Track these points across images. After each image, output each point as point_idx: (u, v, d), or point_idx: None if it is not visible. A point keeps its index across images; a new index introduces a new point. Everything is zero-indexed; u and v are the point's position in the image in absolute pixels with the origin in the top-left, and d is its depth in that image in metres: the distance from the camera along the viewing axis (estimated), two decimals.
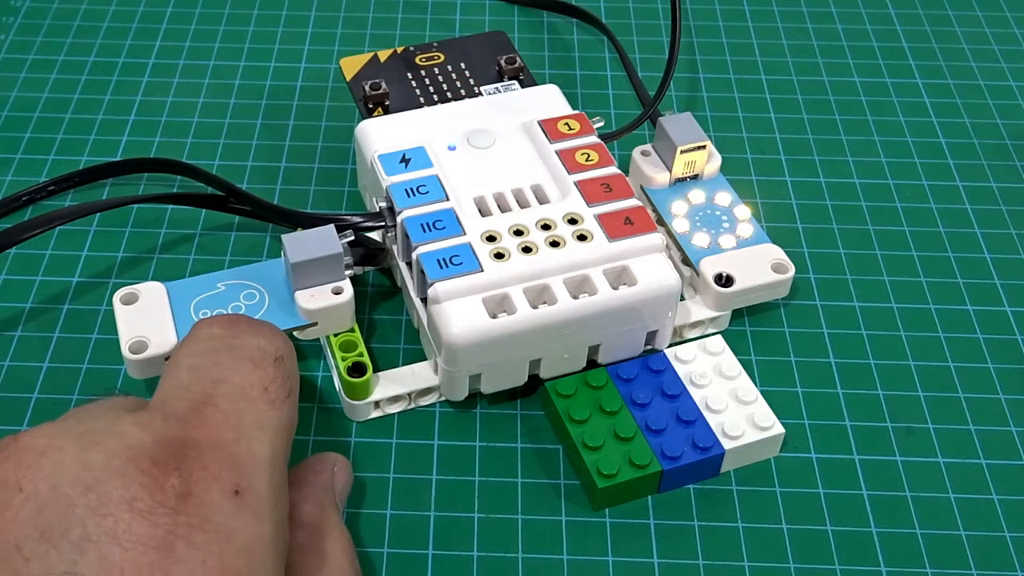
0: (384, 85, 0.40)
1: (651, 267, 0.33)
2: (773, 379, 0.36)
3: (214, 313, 0.34)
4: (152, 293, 0.34)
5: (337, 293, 0.34)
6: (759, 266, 0.36)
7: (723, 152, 0.41)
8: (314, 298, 0.33)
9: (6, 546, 0.21)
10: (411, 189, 0.35)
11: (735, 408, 0.33)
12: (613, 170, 0.36)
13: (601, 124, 0.38)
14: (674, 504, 0.33)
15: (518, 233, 0.34)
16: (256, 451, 0.24)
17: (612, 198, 0.35)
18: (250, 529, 0.23)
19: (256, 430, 0.25)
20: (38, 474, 0.22)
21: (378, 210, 0.35)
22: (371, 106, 0.40)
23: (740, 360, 0.35)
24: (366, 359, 0.34)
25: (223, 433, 0.24)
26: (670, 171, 0.39)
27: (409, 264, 0.34)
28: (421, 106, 0.40)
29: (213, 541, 0.22)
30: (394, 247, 0.36)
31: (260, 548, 0.23)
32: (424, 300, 0.33)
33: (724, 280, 0.36)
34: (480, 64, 0.42)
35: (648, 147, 0.40)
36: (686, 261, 0.37)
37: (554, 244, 0.33)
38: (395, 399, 0.34)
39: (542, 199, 0.35)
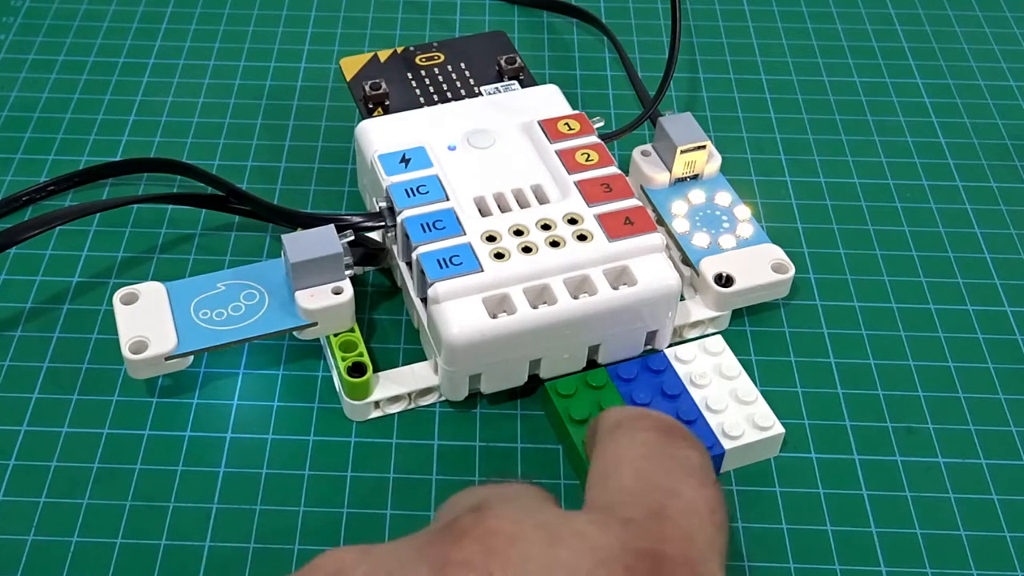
0: (384, 85, 0.40)
1: (651, 267, 0.33)
2: (773, 379, 0.36)
3: (214, 312, 0.34)
4: (152, 293, 0.34)
5: (337, 293, 0.34)
6: (759, 266, 0.36)
7: (723, 152, 0.41)
8: (314, 298, 0.33)
9: None
10: (411, 189, 0.35)
11: (735, 408, 0.33)
12: (613, 170, 0.36)
13: (601, 124, 0.38)
14: None
15: (518, 233, 0.34)
16: (715, 575, 0.23)
17: (612, 198, 0.35)
18: None
19: (711, 552, 0.23)
20: (507, 562, 0.21)
21: (378, 210, 0.35)
22: (371, 106, 0.40)
23: (740, 360, 0.35)
24: (366, 359, 0.34)
25: (690, 551, 0.23)
26: (670, 171, 0.39)
27: (409, 264, 0.34)
28: (421, 106, 0.40)
29: None
30: (394, 247, 0.36)
31: None
32: (424, 300, 0.33)
33: (724, 280, 0.36)
34: (480, 64, 0.42)
35: (648, 147, 0.40)
36: (686, 261, 0.37)
37: (554, 244, 0.33)
38: (395, 399, 0.34)
39: (542, 199, 0.35)
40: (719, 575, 0.23)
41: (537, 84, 0.40)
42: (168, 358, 0.33)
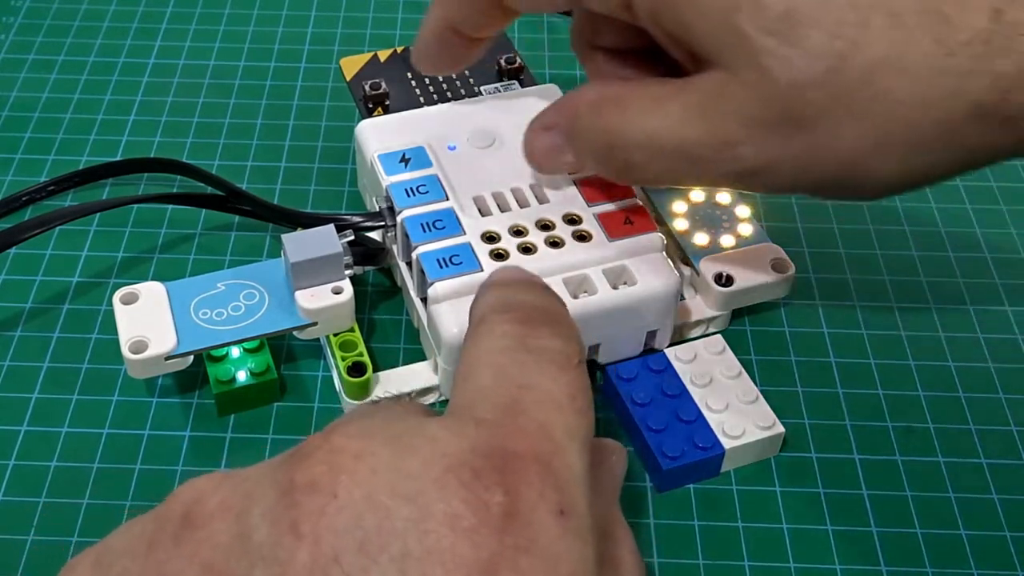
0: (384, 85, 0.40)
1: (651, 267, 0.33)
2: (773, 379, 0.36)
3: (214, 312, 0.34)
4: (152, 293, 0.34)
5: (337, 293, 0.34)
6: (759, 266, 0.36)
7: None
8: (314, 298, 0.33)
9: (324, 558, 0.20)
10: (411, 189, 0.35)
11: (735, 408, 0.33)
12: None
13: None
14: (674, 504, 0.33)
15: (518, 233, 0.34)
16: (572, 465, 0.22)
17: (612, 198, 0.35)
18: (575, 554, 0.21)
19: (568, 441, 0.23)
20: (353, 480, 0.21)
21: (378, 210, 0.35)
22: (371, 106, 0.40)
23: (740, 360, 0.35)
24: (366, 359, 0.34)
25: (541, 444, 0.22)
26: None
27: (409, 264, 0.34)
28: (421, 106, 0.40)
29: (539, 567, 0.20)
30: (394, 247, 0.36)
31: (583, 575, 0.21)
32: (424, 300, 0.33)
33: (724, 280, 0.36)
34: (480, 64, 0.42)
35: None
36: (686, 261, 0.37)
37: (554, 244, 0.33)
38: (395, 399, 0.34)
39: (542, 199, 0.35)
40: (577, 464, 0.22)
41: (537, 84, 0.40)
42: (168, 358, 0.33)
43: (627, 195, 0.35)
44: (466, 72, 0.41)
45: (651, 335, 0.35)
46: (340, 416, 0.24)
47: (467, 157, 0.36)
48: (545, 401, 0.23)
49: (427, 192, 0.34)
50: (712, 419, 0.33)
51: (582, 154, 0.32)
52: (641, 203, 0.35)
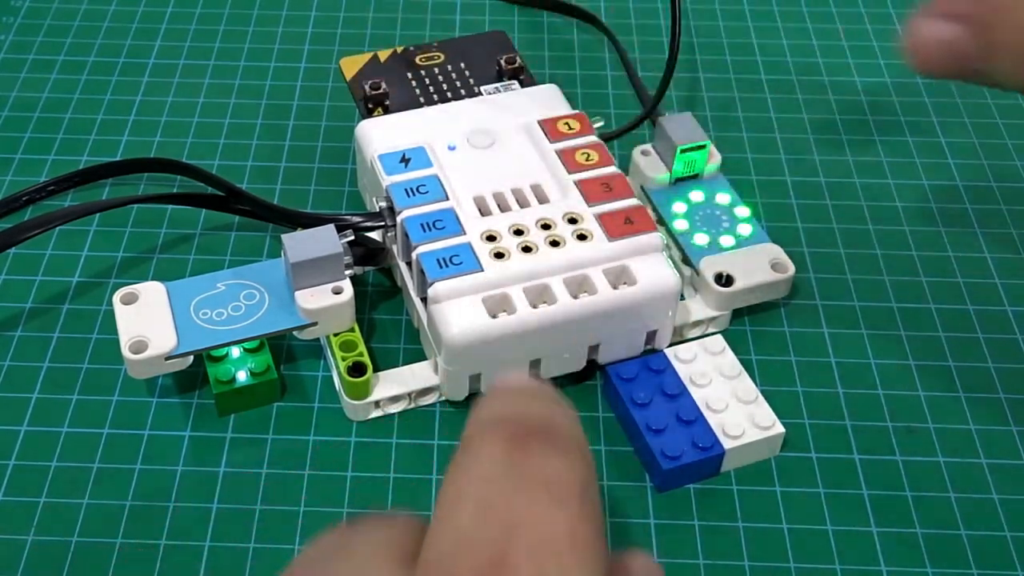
0: (384, 85, 0.40)
1: (651, 267, 0.33)
2: (773, 379, 0.36)
3: (214, 312, 0.34)
4: (152, 293, 0.34)
5: (337, 293, 0.34)
6: (759, 266, 0.36)
7: (723, 152, 0.41)
8: (314, 298, 0.33)
9: None
10: (411, 189, 0.35)
11: (735, 408, 0.33)
12: (613, 170, 0.36)
13: (601, 124, 0.38)
14: (674, 504, 0.33)
15: (518, 233, 0.34)
16: None
17: (612, 198, 0.35)
18: None
19: None
20: None
21: (378, 210, 0.35)
22: (371, 106, 0.40)
23: (740, 360, 0.35)
24: (366, 359, 0.34)
25: None
26: (670, 171, 0.39)
27: (409, 264, 0.34)
28: (421, 106, 0.40)
29: None
30: (394, 247, 0.36)
31: None
32: (424, 300, 0.33)
33: (724, 280, 0.36)
34: (480, 64, 0.42)
35: (648, 147, 0.40)
36: (686, 261, 0.37)
37: (554, 244, 0.33)
38: (395, 399, 0.34)
39: (542, 199, 0.35)
40: None
41: (537, 84, 0.40)
42: (168, 358, 0.33)
43: (627, 195, 0.35)
44: (466, 72, 0.41)
45: (651, 335, 0.35)
46: (304, 549, 0.22)
47: (467, 157, 0.36)
48: (538, 547, 0.19)
49: (427, 192, 0.34)
50: (712, 419, 0.33)
51: (1006, 47, 0.26)
52: (641, 203, 0.35)
